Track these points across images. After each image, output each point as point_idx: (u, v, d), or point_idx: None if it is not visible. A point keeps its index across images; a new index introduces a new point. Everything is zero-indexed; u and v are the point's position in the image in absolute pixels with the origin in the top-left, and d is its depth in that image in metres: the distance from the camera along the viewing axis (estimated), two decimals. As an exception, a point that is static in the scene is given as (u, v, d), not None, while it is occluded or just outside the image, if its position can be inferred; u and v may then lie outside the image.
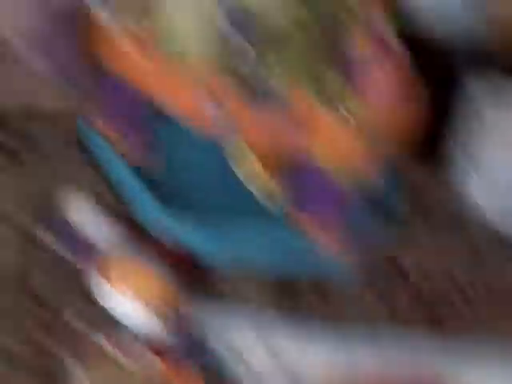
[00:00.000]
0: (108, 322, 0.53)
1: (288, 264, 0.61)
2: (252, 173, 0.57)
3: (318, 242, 0.60)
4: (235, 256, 0.60)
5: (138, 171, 0.61)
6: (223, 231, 0.59)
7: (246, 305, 0.65)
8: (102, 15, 0.51)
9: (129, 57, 0.53)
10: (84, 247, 0.54)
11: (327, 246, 0.59)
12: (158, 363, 0.52)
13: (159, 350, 0.54)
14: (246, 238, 0.60)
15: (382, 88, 0.49)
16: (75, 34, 0.54)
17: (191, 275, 0.59)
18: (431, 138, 0.58)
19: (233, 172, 0.59)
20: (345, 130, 0.51)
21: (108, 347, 0.52)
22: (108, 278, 0.54)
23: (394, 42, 0.49)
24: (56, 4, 0.53)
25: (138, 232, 0.58)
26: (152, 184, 0.60)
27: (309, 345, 0.58)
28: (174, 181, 0.61)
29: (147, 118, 0.59)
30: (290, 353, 0.57)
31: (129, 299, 0.53)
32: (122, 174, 0.60)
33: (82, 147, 0.60)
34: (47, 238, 0.57)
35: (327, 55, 0.50)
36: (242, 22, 0.49)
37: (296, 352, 0.58)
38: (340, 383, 0.55)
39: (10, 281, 0.58)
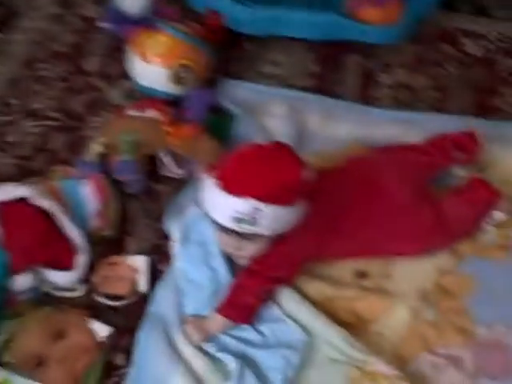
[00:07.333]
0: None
1: (327, 33, 0.65)
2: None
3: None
4: (269, 23, 0.65)
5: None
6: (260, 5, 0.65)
7: (274, 67, 0.68)
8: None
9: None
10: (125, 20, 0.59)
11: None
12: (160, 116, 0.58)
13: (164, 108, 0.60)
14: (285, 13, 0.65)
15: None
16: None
17: (220, 38, 0.64)
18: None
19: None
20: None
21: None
22: (139, 50, 0.59)
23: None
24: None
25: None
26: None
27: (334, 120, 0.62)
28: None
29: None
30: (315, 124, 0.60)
31: (155, 66, 0.58)
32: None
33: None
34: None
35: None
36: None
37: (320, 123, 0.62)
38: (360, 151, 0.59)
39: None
